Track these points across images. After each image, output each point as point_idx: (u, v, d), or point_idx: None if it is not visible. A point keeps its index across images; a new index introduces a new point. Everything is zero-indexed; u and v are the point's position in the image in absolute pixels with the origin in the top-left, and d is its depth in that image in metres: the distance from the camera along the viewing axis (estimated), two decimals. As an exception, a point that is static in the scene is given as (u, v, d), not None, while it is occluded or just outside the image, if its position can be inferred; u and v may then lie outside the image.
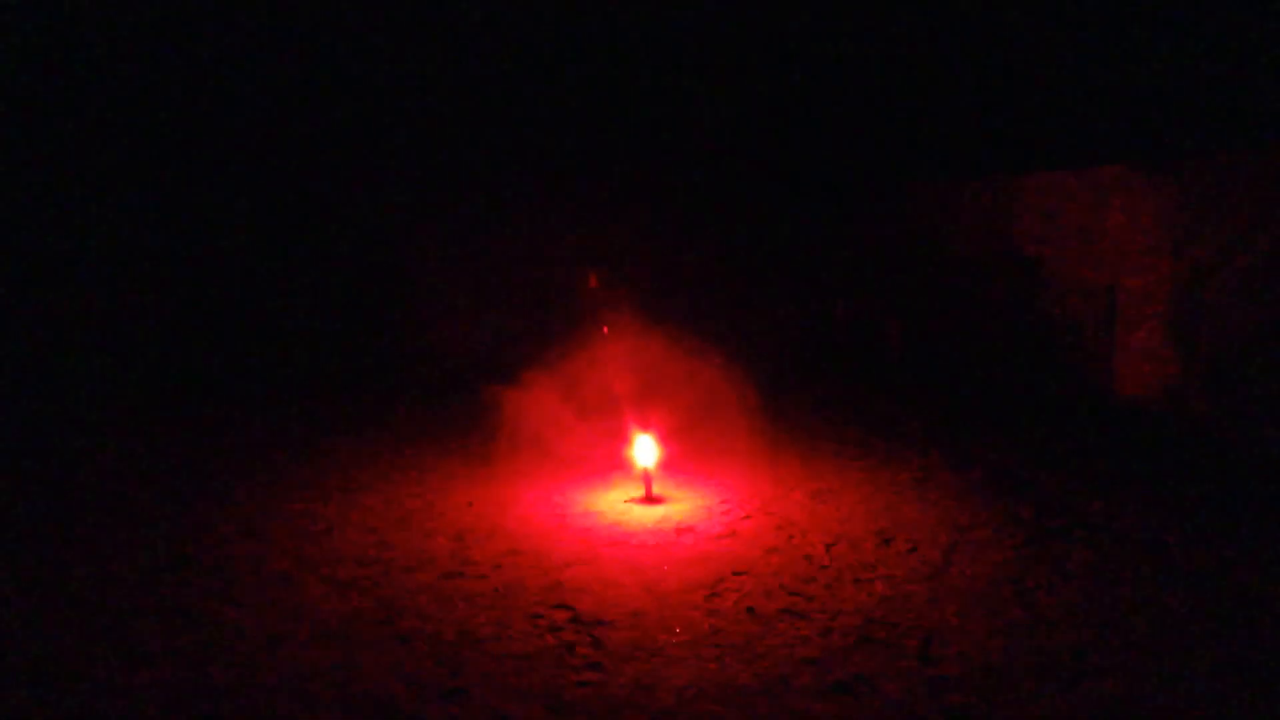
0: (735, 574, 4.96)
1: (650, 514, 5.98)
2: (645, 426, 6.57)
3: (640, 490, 6.33)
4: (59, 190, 12.25)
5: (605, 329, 11.04)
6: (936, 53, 11.04)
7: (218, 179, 12.91)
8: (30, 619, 4.55)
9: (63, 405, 9.56)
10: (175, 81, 12.54)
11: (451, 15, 12.96)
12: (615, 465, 6.98)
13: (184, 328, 12.56)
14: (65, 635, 4.35)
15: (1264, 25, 7.82)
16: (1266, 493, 6.04)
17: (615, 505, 6.16)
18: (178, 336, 12.45)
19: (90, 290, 12.14)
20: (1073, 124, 9.36)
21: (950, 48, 10.88)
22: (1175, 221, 7.58)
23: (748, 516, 5.87)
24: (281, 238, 13.20)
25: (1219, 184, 7.22)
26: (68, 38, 12.05)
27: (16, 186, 11.95)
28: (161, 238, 12.69)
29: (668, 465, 6.83)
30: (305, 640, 4.26)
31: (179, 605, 4.68)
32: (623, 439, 7.03)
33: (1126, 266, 8.02)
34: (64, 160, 12.23)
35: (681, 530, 5.66)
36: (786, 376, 10.24)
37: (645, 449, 6.40)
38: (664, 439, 6.88)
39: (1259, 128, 7.54)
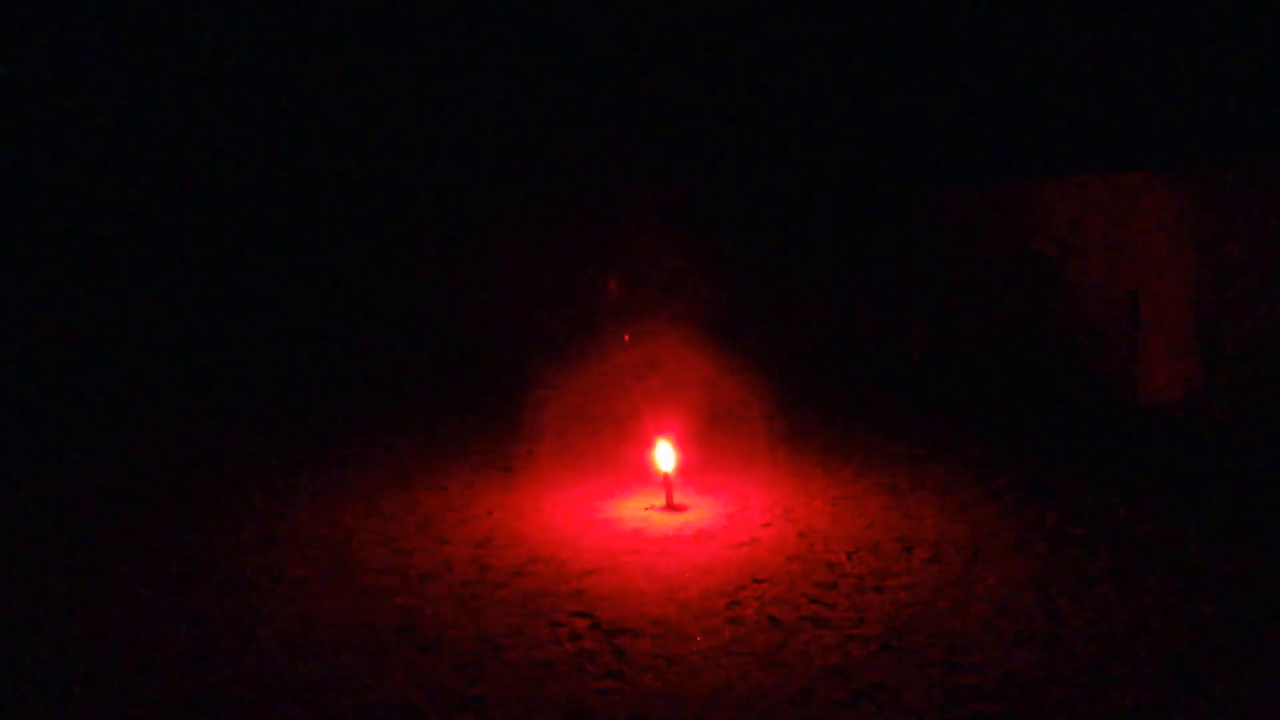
0: (756, 581, 4.94)
1: (671, 521, 5.96)
2: (665, 433, 6.55)
3: (661, 497, 6.30)
4: (80, 187, 12.31)
5: (625, 335, 11.05)
6: (960, 57, 11.00)
7: (228, 181, 12.96)
8: (43, 627, 4.56)
9: (75, 410, 9.60)
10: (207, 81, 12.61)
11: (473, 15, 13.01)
12: (636, 472, 6.95)
13: (199, 329, 12.61)
14: (79, 644, 4.36)
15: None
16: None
17: (636, 512, 6.15)
18: (193, 338, 12.50)
19: (101, 289, 12.20)
20: (1096, 128, 9.31)
21: (974, 52, 10.85)
22: (1199, 227, 7.53)
23: (769, 524, 5.84)
24: (301, 240, 13.24)
25: (1244, 189, 7.17)
26: (73, 38, 12.12)
27: (29, 189, 12.02)
28: (174, 237, 12.75)
29: (688, 472, 6.80)
30: (323, 649, 4.26)
31: (195, 613, 4.69)
32: (643, 445, 7.01)
33: (1150, 272, 7.97)
34: (78, 158, 12.30)
35: (702, 537, 5.64)
36: (807, 381, 10.21)
37: (666, 455, 6.37)
38: (684, 445, 6.86)
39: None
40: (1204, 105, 8.18)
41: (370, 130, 13.32)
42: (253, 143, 13.09)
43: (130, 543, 5.76)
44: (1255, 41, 7.97)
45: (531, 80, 13.21)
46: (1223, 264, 7.33)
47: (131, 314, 12.47)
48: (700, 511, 6.13)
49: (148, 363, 11.85)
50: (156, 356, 12.07)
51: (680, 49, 13.05)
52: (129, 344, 12.18)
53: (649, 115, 13.18)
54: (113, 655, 4.23)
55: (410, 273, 13.29)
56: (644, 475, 6.80)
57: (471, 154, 13.36)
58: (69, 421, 9.24)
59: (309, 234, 13.33)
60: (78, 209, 12.51)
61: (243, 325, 12.94)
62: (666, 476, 6.32)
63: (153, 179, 12.83)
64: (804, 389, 9.81)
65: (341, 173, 13.28)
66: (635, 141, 13.12)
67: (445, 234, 13.40)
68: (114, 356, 11.91)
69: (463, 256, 13.26)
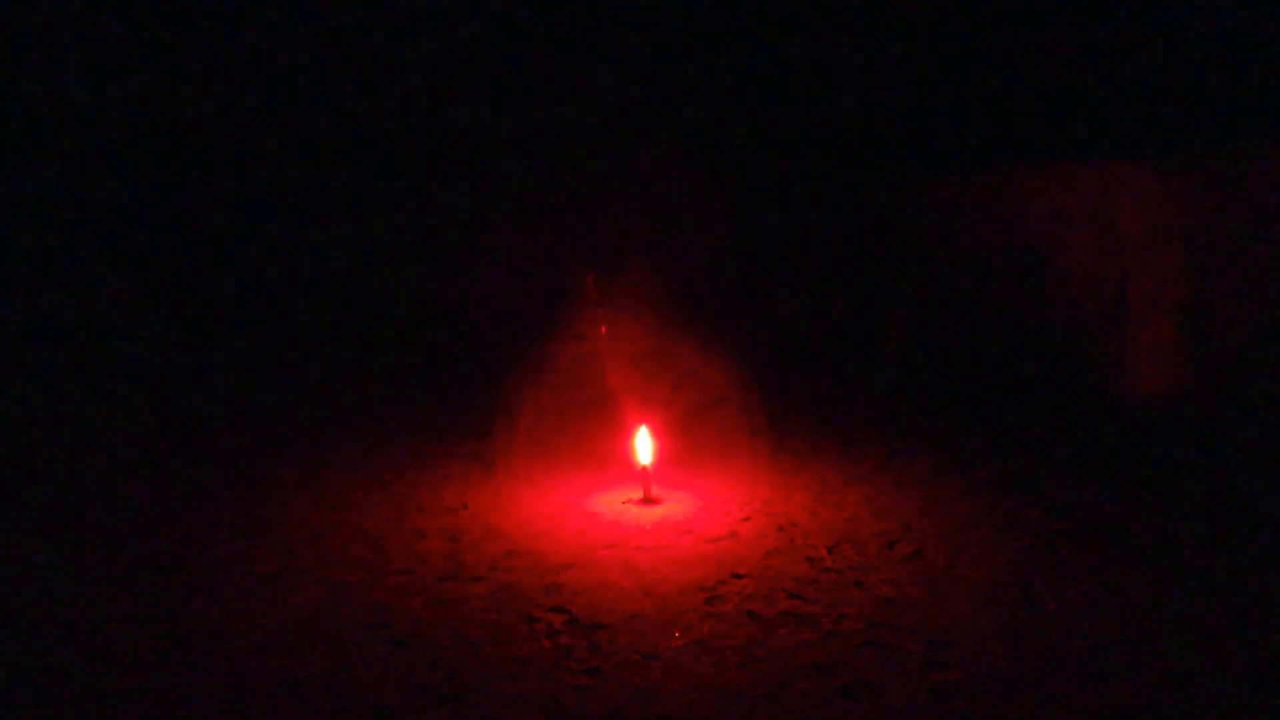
0: (735, 576, 4.88)
1: (649, 515, 5.91)
2: (644, 425, 6.49)
3: (638, 491, 6.25)
4: (70, 181, 12.23)
5: (603, 328, 11.00)
6: (943, 46, 10.98)
7: (219, 176, 12.90)
8: (11, 623, 4.49)
9: (53, 403, 9.50)
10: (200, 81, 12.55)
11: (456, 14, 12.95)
12: (613, 466, 6.90)
13: (172, 320, 12.53)
14: (48, 639, 4.29)
15: (1275, 17, 7.75)
16: (1277, 493, 5.95)
17: (613, 506, 6.09)
18: (168, 330, 12.42)
19: (87, 279, 12.12)
20: (1082, 117, 9.30)
21: (957, 40, 10.82)
22: (1186, 217, 7.50)
23: (748, 518, 5.79)
24: (281, 233, 13.19)
25: (1231, 178, 7.14)
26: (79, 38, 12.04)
27: (20, 184, 11.93)
28: (153, 230, 12.67)
29: (667, 465, 6.75)
30: (297, 644, 4.20)
31: (166, 608, 4.62)
32: (621, 438, 6.96)
33: (1136, 262, 7.94)
34: (70, 154, 12.21)
35: (681, 531, 5.58)
36: (787, 374, 10.17)
37: (644, 449, 6.31)
38: (663, 438, 6.80)
39: (1271, 121, 7.46)
40: (1192, 94, 8.17)
41: (356, 123, 13.26)
42: (243, 137, 13.03)
43: (101, 536, 5.69)
44: (1243, 31, 7.95)
45: (519, 74, 13.17)
46: (1211, 255, 7.31)
47: (112, 305, 12.39)
48: (678, 505, 6.08)
49: (124, 355, 11.76)
50: (134, 349, 11.98)
51: (665, 45, 13.02)
52: (107, 335, 12.09)
53: (631, 109, 13.15)
54: (82, 651, 4.16)
55: (386, 266, 13.24)
56: (622, 468, 6.75)
57: (453, 147, 13.31)
58: (46, 415, 9.15)
59: (289, 223, 13.27)
60: (66, 202, 12.42)
61: (218, 319, 12.86)
62: (644, 469, 6.26)
63: (144, 170, 12.76)
64: (784, 382, 9.77)
65: (319, 162, 13.21)
66: (617, 135, 13.08)
67: (424, 226, 13.35)
68: (91, 348, 11.82)
69: (442, 248, 13.20)
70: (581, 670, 3.91)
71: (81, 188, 12.46)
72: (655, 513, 5.95)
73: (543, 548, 5.37)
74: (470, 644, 4.18)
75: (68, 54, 12.23)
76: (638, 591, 4.72)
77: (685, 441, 7.42)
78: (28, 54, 12.07)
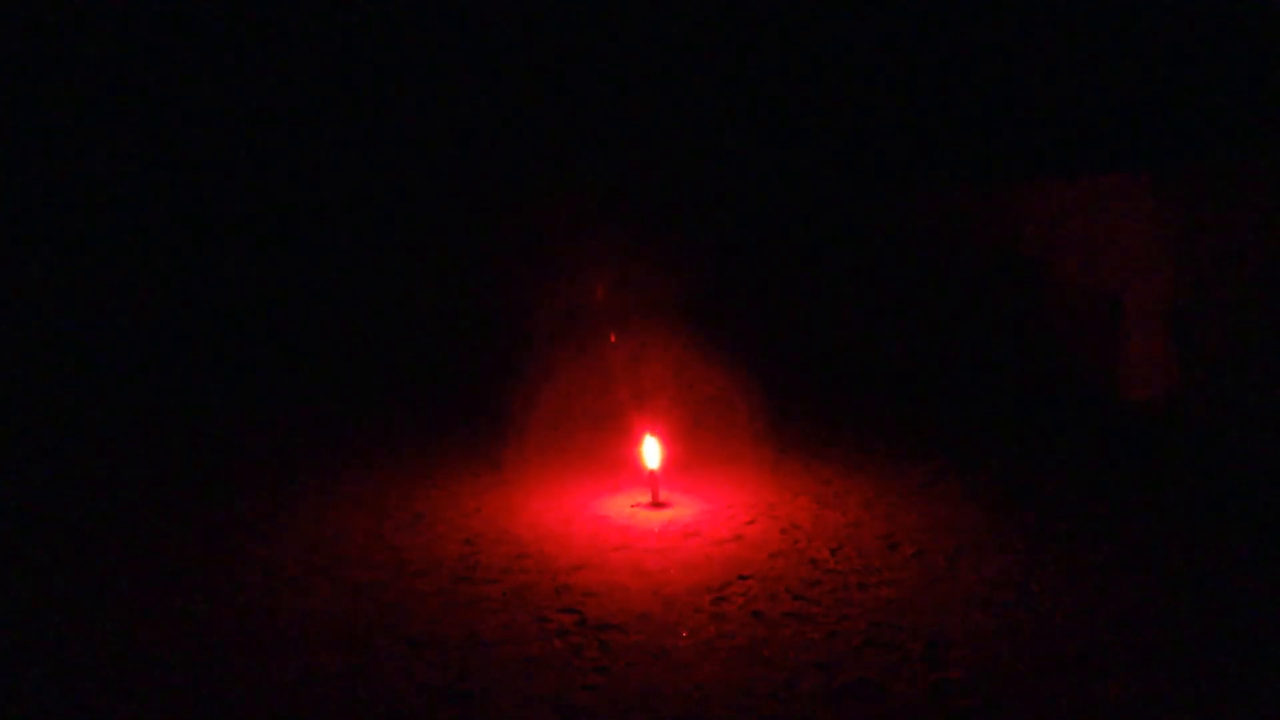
0: (741, 578, 4.98)
1: (657, 518, 6.01)
2: (651, 431, 6.58)
3: (647, 494, 6.35)
4: (74, 185, 12.29)
5: (612, 336, 11.08)
6: (939, 60, 11.06)
7: (239, 188, 12.96)
8: (34, 624, 4.58)
9: (69, 408, 9.59)
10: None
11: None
12: (621, 470, 7.00)
13: (192, 327, 12.60)
14: (70, 640, 4.39)
15: (1264, 30, 7.84)
16: (1268, 497, 6.05)
17: (622, 509, 6.19)
18: (185, 336, 12.49)
19: (95, 288, 12.18)
20: (1076, 131, 9.38)
21: (954, 56, 10.90)
22: (1177, 228, 7.60)
23: (753, 521, 5.89)
24: (295, 240, 13.25)
25: (1219, 190, 7.24)
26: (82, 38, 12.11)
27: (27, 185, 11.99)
28: (169, 232, 12.74)
29: (674, 469, 6.85)
30: (313, 644, 4.30)
31: (186, 609, 4.71)
32: (629, 443, 7.05)
33: (1130, 273, 8.04)
34: (74, 157, 12.27)
35: (688, 534, 5.68)
36: (791, 380, 10.25)
37: (651, 453, 6.41)
38: (670, 443, 6.89)
39: (1262, 133, 7.55)
40: (1180, 108, 8.26)
41: (360, 130, 13.33)
42: (243, 144, 13.10)
43: (122, 539, 5.78)
44: (1229, 46, 8.05)
45: (518, 77, 13.22)
46: (1200, 264, 7.40)
47: (125, 313, 12.45)
48: (685, 508, 6.17)
49: (141, 361, 11.83)
50: (150, 355, 12.05)
51: (666, 50, 13.07)
52: (122, 342, 12.16)
53: (634, 115, 13.20)
54: (104, 652, 4.26)
55: (400, 272, 13.30)
56: (630, 473, 6.85)
57: (459, 155, 13.37)
58: (62, 419, 9.23)
59: (302, 234, 13.33)
60: (71, 207, 12.49)
61: (233, 324, 12.93)
62: (652, 474, 6.36)
63: (148, 177, 12.82)
64: (788, 388, 9.85)
65: (330, 174, 13.28)
66: (621, 141, 13.14)
67: (435, 234, 13.41)
68: (107, 355, 11.89)
69: (451, 257, 13.27)
70: (591, 669, 4.01)
71: (108, 198, 12.56)
72: (663, 516, 6.04)
73: (554, 550, 5.47)
74: (483, 644, 4.28)
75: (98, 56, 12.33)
76: (646, 592, 4.81)
77: (692, 446, 7.51)
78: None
